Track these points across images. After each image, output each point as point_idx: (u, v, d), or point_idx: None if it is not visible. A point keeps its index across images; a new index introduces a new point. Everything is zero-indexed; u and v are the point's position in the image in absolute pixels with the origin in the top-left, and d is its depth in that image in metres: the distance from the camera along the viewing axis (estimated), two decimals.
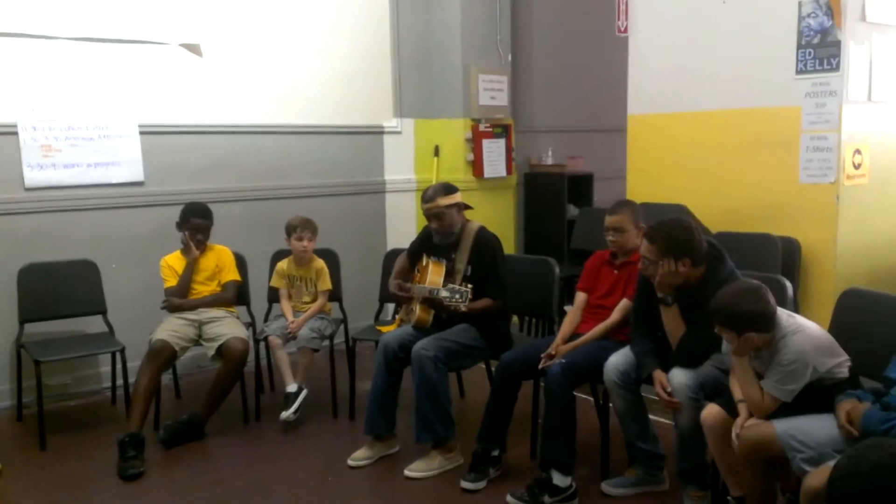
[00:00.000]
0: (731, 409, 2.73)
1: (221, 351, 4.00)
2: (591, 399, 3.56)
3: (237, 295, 4.35)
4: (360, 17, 5.61)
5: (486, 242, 3.75)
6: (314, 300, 4.35)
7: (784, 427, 2.55)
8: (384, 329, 3.98)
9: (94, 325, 4.42)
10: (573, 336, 3.48)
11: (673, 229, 3.01)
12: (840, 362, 2.70)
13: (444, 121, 5.98)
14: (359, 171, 5.73)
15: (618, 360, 3.23)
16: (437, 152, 5.99)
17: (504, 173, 6.16)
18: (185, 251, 4.21)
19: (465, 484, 3.41)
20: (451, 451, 3.62)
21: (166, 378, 4.41)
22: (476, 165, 6.00)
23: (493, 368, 3.82)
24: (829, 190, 4.14)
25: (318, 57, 5.43)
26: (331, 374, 4.33)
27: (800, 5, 4.15)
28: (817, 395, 2.63)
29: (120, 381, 4.26)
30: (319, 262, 4.40)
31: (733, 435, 2.65)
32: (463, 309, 3.52)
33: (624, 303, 3.42)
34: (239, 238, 4.71)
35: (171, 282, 4.20)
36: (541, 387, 3.51)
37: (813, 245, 4.19)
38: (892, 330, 2.81)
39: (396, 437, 3.80)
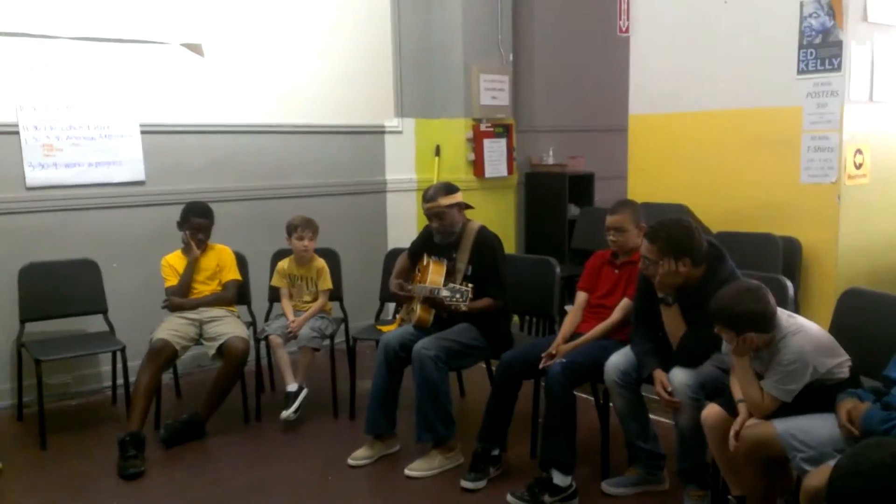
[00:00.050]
0: (731, 409, 2.73)
1: (222, 350, 4.00)
2: (592, 398, 3.56)
3: (238, 294, 4.35)
4: (361, 17, 5.61)
5: (486, 242, 3.75)
6: (315, 300, 4.35)
7: (784, 427, 2.55)
8: (385, 328, 3.98)
9: (94, 324, 4.42)
10: (574, 336, 3.48)
11: (673, 229, 3.01)
12: (840, 362, 2.69)
13: (445, 120, 5.98)
14: (360, 170, 5.73)
15: (618, 359, 3.23)
16: (438, 152, 5.99)
17: (505, 173, 6.16)
18: (186, 250, 4.21)
19: (465, 483, 3.40)
20: (451, 451, 3.62)
21: (167, 377, 4.41)
22: (477, 165, 6.00)
23: (493, 368, 3.82)
24: (830, 190, 4.14)
25: (319, 57, 5.43)
26: (331, 373, 4.34)
27: (801, 5, 4.14)
28: (818, 395, 2.63)
29: (120, 381, 4.26)
30: (320, 262, 4.40)
31: (731, 434, 2.65)
32: (463, 308, 3.52)
33: (624, 302, 3.42)
34: (240, 237, 4.71)
35: (172, 281, 4.20)
36: (541, 386, 3.51)
37: (814, 245, 4.19)
38: (892, 330, 2.81)
39: (397, 437, 3.80)
